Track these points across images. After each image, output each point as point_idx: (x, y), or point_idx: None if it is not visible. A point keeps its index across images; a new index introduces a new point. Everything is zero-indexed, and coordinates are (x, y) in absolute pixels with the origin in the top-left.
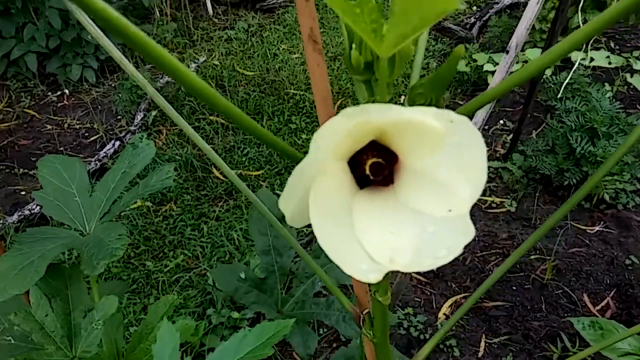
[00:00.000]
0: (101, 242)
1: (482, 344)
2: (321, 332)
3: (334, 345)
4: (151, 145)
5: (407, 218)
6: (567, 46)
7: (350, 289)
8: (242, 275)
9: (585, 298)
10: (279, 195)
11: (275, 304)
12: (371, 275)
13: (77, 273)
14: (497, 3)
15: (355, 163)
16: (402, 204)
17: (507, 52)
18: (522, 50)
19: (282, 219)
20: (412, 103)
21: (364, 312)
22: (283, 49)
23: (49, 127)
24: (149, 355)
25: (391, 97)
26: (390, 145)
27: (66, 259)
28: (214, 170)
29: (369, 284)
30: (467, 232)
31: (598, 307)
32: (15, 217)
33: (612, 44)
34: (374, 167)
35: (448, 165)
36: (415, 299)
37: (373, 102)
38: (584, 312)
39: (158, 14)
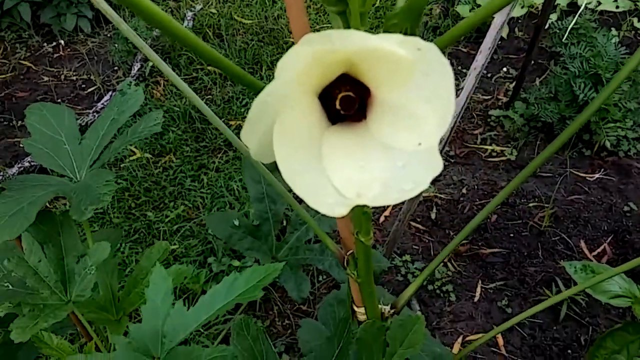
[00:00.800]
0: (89, 188)
1: (478, 289)
2: (320, 279)
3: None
4: (140, 92)
5: (378, 152)
6: None
7: None
8: (236, 223)
9: (582, 244)
10: None
11: (270, 250)
12: (337, 209)
13: (69, 219)
14: None
15: (327, 98)
16: (373, 139)
17: None
18: None
19: (274, 168)
20: None
21: (348, 253)
22: None
23: (46, 78)
24: (143, 299)
25: (368, 30)
26: (361, 78)
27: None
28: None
29: (354, 226)
30: (434, 166)
31: (594, 253)
32: (15, 169)
33: None
34: (344, 100)
35: (417, 95)
36: (414, 246)
37: None
38: (580, 258)
39: None
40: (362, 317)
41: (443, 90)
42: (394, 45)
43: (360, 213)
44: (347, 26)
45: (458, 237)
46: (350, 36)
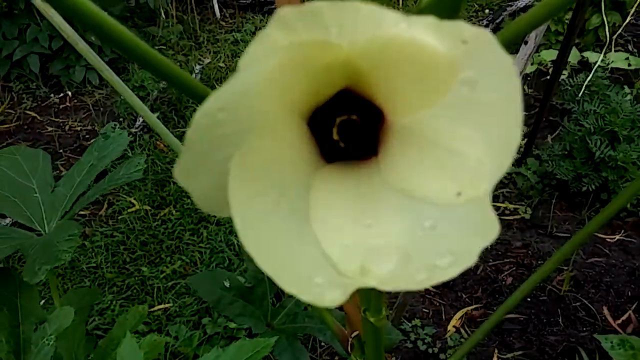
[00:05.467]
0: (49, 244)
1: (495, 359)
2: (322, 344)
3: (336, 359)
4: (124, 136)
5: (394, 205)
6: None
7: None
8: (227, 284)
9: (605, 311)
10: None
11: (264, 317)
12: (329, 294)
13: None
14: (511, 6)
15: (321, 123)
16: (387, 186)
17: (526, 42)
18: (537, 51)
19: None
20: None
21: (352, 335)
22: None
23: (50, 128)
24: None
25: None
26: (370, 95)
27: None
28: None
29: (361, 301)
30: (485, 228)
31: (619, 321)
32: (8, 220)
33: (630, 47)
34: (345, 128)
35: (457, 118)
36: (424, 309)
37: None
38: (604, 327)
39: (164, 16)
40: None
41: (501, 110)
42: (426, 36)
43: None
44: None
45: (499, 312)
46: (355, 17)
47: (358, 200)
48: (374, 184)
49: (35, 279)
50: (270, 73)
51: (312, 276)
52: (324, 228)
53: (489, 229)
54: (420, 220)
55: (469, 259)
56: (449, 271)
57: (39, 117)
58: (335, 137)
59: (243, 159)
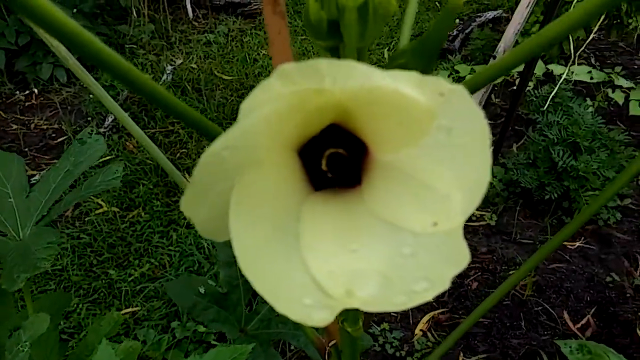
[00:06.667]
0: (27, 251)
1: None
2: (292, 348)
3: None
4: (101, 141)
5: (376, 233)
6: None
7: None
8: (202, 290)
9: (566, 316)
10: None
11: (238, 322)
12: (317, 314)
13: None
14: (480, 17)
15: (310, 155)
16: (370, 214)
17: (494, 57)
18: None
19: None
20: None
21: (330, 345)
22: (263, 54)
23: (15, 126)
24: None
25: None
26: (356, 131)
27: None
28: (187, 176)
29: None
30: (458, 257)
31: (578, 325)
32: None
33: (592, 60)
34: (333, 160)
35: (434, 159)
36: (392, 313)
37: None
38: (564, 330)
39: (135, 15)
40: None
41: (475, 154)
42: (406, 87)
43: None
44: None
45: (469, 319)
46: (348, 72)
47: (344, 226)
48: (358, 212)
49: (15, 286)
50: (270, 115)
51: (302, 298)
52: (313, 253)
53: (461, 259)
54: (400, 247)
55: (442, 285)
56: (425, 295)
57: (3, 115)
58: (324, 168)
59: (241, 190)
